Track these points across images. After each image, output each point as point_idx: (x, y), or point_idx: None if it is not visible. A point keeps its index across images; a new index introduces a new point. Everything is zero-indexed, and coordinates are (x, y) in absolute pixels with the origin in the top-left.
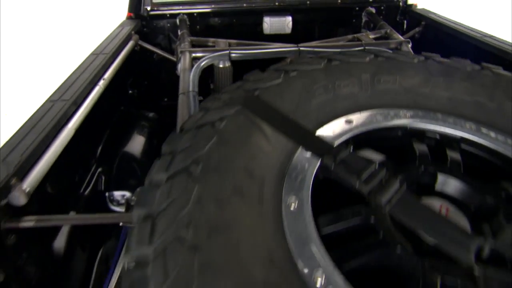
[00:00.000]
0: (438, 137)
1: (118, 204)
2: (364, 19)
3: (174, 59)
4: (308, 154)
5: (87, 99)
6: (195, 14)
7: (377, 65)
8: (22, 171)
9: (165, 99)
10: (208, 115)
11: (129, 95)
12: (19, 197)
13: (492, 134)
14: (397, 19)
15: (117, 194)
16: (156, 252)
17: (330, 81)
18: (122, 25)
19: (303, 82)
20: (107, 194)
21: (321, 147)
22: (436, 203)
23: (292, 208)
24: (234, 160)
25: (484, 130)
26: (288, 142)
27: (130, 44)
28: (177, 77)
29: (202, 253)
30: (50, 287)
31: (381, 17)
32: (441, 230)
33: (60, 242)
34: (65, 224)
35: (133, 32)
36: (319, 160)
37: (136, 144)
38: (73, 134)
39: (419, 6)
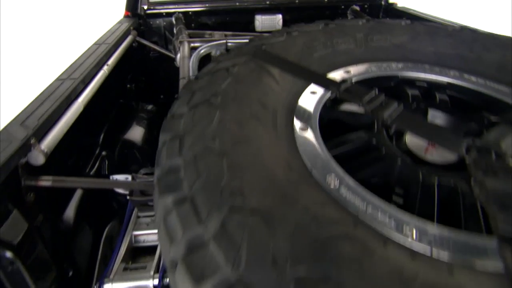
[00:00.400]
0: (426, 85)
1: None
2: (349, 17)
3: (171, 55)
4: (313, 95)
5: (94, 80)
6: (190, 12)
7: (369, 27)
8: (40, 133)
9: (161, 96)
10: (221, 63)
11: (128, 89)
12: (37, 157)
13: (473, 78)
14: (380, 17)
15: (121, 177)
16: (186, 160)
17: (328, 39)
18: (120, 22)
19: (304, 39)
20: (111, 177)
21: (327, 81)
22: None
23: (302, 133)
24: (249, 94)
25: (466, 76)
26: (295, 84)
27: (129, 38)
28: (174, 75)
29: (229, 157)
30: (61, 256)
31: (365, 15)
32: (437, 132)
33: (69, 215)
34: (79, 186)
35: (131, 28)
36: (325, 95)
37: (137, 132)
38: (82, 110)
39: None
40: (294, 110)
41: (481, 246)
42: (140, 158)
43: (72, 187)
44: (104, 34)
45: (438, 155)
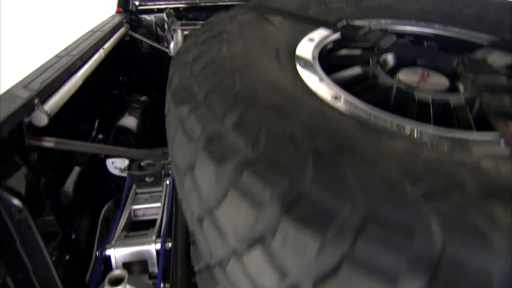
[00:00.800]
0: (412, 38)
1: (120, 170)
2: None
3: (163, 48)
4: (311, 42)
5: (91, 59)
6: (181, 8)
7: None
8: (43, 96)
9: (153, 92)
10: (223, 15)
11: (120, 82)
12: (40, 117)
13: (456, 29)
14: None
15: (118, 160)
16: (199, 79)
17: None
18: (113, 16)
19: None
20: (107, 160)
21: (325, 21)
22: (419, 70)
23: (304, 66)
24: (252, 34)
25: (449, 28)
26: (293, 32)
27: (122, 30)
28: (166, 70)
29: (240, 74)
30: (64, 220)
31: None
32: (430, 53)
33: (68, 189)
34: (80, 149)
35: (124, 21)
36: (322, 42)
37: (131, 119)
38: (81, 84)
39: None
40: (294, 51)
41: (476, 139)
42: (135, 144)
43: (73, 150)
44: (98, 24)
45: (429, 86)
